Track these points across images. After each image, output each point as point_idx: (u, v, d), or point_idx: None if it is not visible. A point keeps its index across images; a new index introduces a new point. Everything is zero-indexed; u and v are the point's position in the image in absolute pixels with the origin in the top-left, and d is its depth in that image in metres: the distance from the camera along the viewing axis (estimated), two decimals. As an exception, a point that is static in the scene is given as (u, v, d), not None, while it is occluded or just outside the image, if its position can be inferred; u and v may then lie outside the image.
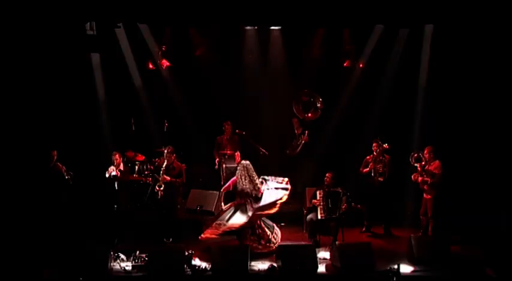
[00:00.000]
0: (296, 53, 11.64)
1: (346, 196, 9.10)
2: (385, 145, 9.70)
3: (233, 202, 8.78)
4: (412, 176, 9.49)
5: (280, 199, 8.66)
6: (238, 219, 8.54)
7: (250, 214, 8.50)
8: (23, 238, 8.30)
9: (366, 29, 10.95)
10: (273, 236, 8.73)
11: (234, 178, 8.79)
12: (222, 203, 8.87)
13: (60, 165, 9.17)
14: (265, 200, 8.63)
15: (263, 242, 8.61)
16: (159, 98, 11.62)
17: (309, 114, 11.26)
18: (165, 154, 9.54)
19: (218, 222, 8.59)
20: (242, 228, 8.54)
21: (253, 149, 10.72)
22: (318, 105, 11.24)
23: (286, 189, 8.79)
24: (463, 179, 9.90)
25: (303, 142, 11.21)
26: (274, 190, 8.78)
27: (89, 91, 10.88)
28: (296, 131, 11.44)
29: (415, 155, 9.39)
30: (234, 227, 8.51)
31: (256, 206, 8.55)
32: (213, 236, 8.52)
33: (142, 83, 11.47)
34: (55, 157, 9.21)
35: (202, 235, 8.57)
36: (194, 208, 10.04)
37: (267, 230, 8.71)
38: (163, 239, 9.05)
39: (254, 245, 8.50)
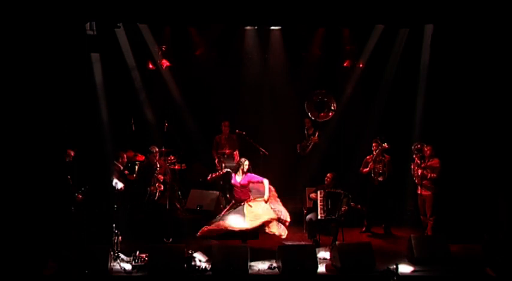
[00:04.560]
0: (296, 53, 11.64)
1: (348, 198, 9.09)
2: (385, 145, 9.71)
3: (231, 203, 8.92)
4: (412, 167, 9.49)
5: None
6: (235, 220, 8.50)
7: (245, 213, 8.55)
8: (24, 238, 8.30)
9: (366, 29, 10.95)
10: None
11: (259, 177, 8.86)
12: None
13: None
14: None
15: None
16: (159, 98, 11.62)
17: (322, 114, 11.26)
18: (149, 155, 9.67)
19: (217, 220, 8.60)
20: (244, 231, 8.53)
21: (252, 149, 10.72)
22: (331, 107, 11.24)
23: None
24: (462, 179, 9.88)
25: (313, 142, 11.20)
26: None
27: (89, 90, 10.85)
28: (307, 132, 11.43)
29: (418, 145, 9.41)
30: (232, 229, 8.47)
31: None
32: (210, 233, 8.51)
33: (142, 83, 11.47)
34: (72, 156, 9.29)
35: (200, 232, 8.55)
36: (194, 208, 10.05)
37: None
38: (163, 239, 9.06)
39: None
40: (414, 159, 9.47)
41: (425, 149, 9.40)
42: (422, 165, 9.34)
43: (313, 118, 11.33)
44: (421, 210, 9.53)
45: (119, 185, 9.41)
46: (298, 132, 11.64)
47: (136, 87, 11.45)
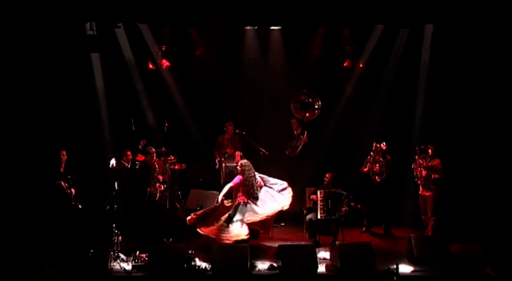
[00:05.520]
0: (296, 53, 11.65)
1: (349, 198, 9.07)
2: (382, 145, 9.70)
3: (232, 202, 8.86)
4: (414, 167, 9.49)
5: (282, 208, 8.77)
6: (237, 227, 8.57)
7: (249, 215, 8.58)
8: (24, 238, 8.30)
9: (366, 29, 10.95)
10: None
11: (240, 177, 8.81)
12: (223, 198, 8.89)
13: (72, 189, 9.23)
14: (265, 202, 8.75)
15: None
16: (159, 98, 11.62)
17: (307, 114, 11.26)
18: (147, 156, 9.80)
19: (220, 224, 8.61)
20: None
21: (253, 149, 10.72)
22: (316, 106, 11.24)
23: (289, 195, 8.84)
24: (462, 179, 9.89)
25: (303, 142, 11.20)
26: (277, 194, 8.87)
27: (89, 91, 10.87)
28: (295, 132, 11.44)
29: (422, 146, 9.39)
30: (234, 236, 8.50)
31: (257, 208, 8.70)
32: (212, 236, 8.56)
33: (143, 83, 11.48)
34: (64, 158, 9.27)
35: (201, 230, 8.61)
36: (194, 208, 10.04)
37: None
38: (163, 239, 9.06)
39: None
40: (416, 160, 9.45)
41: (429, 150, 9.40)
42: (424, 164, 9.32)
43: (299, 118, 11.33)
44: (422, 209, 9.53)
45: (112, 161, 9.43)
46: (284, 133, 11.64)
47: (137, 88, 11.46)
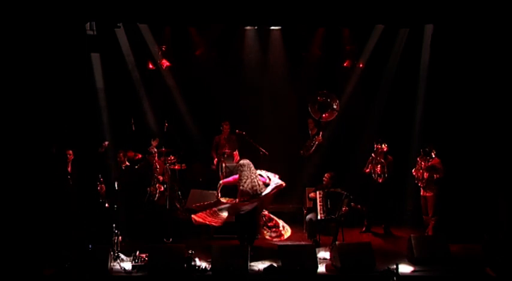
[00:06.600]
0: (296, 53, 11.65)
1: (349, 198, 9.07)
2: (383, 146, 9.68)
3: (233, 199, 8.78)
4: (414, 172, 9.48)
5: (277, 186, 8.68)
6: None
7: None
8: (23, 238, 8.30)
9: (366, 29, 10.96)
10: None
11: (236, 176, 8.73)
12: (219, 195, 8.82)
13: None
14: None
15: (277, 230, 8.67)
16: (159, 98, 11.62)
17: (325, 115, 11.21)
18: (149, 156, 9.79)
19: (214, 210, 8.62)
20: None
21: (252, 149, 10.72)
22: (334, 106, 11.19)
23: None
24: (462, 179, 9.89)
25: (317, 142, 11.17)
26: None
27: (89, 91, 10.87)
28: (310, 132, 11.40)
29: (427, 149, 9.37)
30: (220, 220, 8.52)
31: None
32: (201, 220, 8.55)
33: (143, 83, 11.48)
34: (71, 157, 9.28)
35: (194, 216, 8.61)
36: (194, 208, 10.03)
37: (277, 219, 8.77)
38: (163, 239, 9.06)
39: (268, 235, 8.63)
40: (418, 162, 9.43)
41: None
42: (424, 165, 9.31)
43: (316, 119, 11.31)
44: (424, 209, 9.54)
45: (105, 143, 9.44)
46: (298, 132, 11.63)
47: (137, 88, 11.46)
